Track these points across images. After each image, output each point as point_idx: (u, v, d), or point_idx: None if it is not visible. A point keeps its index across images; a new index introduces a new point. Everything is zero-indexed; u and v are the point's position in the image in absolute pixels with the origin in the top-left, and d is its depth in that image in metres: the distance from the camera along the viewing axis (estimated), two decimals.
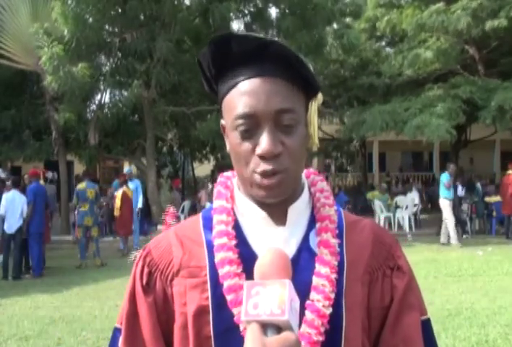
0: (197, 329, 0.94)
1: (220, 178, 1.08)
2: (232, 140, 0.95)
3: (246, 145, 0.92)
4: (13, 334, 5.58)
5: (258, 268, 0.80)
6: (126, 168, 13.47)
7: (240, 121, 0.92)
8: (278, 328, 0.74)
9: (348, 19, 16.64)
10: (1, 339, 5.45)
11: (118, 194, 11.62)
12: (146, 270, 1.01)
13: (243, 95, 0.92)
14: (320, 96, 1.00)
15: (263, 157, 0.91)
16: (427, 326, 1.01)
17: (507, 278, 7.95)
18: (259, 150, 0.91)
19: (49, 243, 10.75)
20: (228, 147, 1.00)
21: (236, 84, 0.93)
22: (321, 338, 0.89)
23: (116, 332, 1.03)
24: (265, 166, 0.91)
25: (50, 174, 18.58)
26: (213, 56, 0.95)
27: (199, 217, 1.06)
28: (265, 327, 0.74)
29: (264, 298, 0.74)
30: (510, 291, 7.08)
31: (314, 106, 0.99)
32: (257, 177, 0.92)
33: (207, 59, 0.97)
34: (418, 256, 9.36)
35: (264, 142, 0.90)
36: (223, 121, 1.01)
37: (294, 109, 0.92)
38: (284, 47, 0.91)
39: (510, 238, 12.28)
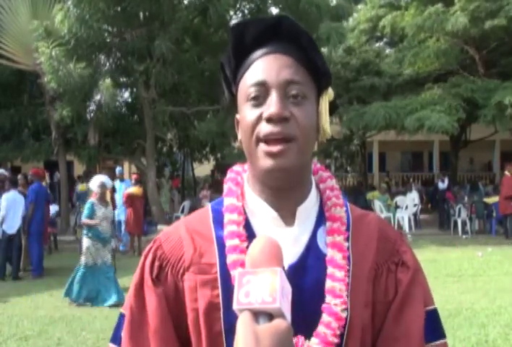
0: (209, 325, 0.95)
1: (230, 173, 1.08)
2: (243, 114, 0.96)
3: (255, 112, 0.93)
4: (13, 334, 5.58)
5: (249, 257, 0.80)
6: (118, 168, 13.45)
7: (251, 89, 0.94)
8: (270, 316, 0.74)
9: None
10: (1, 339, 5.45)
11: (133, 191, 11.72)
12: (157, 263, 1.01)
13: (256, 70, 0.96)
14: (330, 91, 1.02)
15: (270, 120, 0.91)
16: (432, 316, 1.01)
17: (507, 278, 7.96)
18: (266, 113, 0.91)
19: (46, 244, 10.74)
20: (239, 136, 1.01)
21: (250, 65, 0.97)
22: (336, 340, 0.91)
23: (121, 317, 1.03)
24: (271, 128, 0.91)
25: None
26: (234, 43, 0.98)
27: (208, 210, 1.05)
28: (257, 315, 0.74)
29: (255, 287, 0.74)
30: (509, 291, 7.09)
31: (325, 99, 1.00)
32: (264, 146, 0.92)
33: (228, 53, 1.00)
34: (418, 257, 9.24)
35: (272, 104, 0.91)
36: (238, 115, 1.02)
37: (303, 83, 0.95)
38: (296, 24, 0.95)
39: (510, 239, 12.28)
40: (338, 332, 0.91)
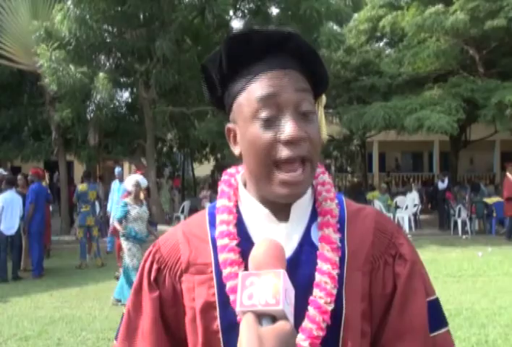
0: (205, 323, 0.96)
1: (224, 175, 1.09)
2: (251, 132, 0.93)
3: (268, 134, 0.91)
4: (13, 334, 5.58)
5: (252, 259, 0.80)
6: (117, 168, 13.35)
7: (261, 104, 0.91)
8: (273, 318, 0.74)
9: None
10: (1, 339, 5.45)
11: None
12: (155, 266, 1.04)
13: (264, 85, 0.93)
14: (323, 97, 1.02)
15: (289, 143, 0.90)
16: (434, 305, 1.02)
17: (507, 279, 7.96)
18: (285, 136, 0.90)
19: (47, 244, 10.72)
20: (236, 151, 0.99)
21: (255, 77, 0.94)
22: (321, 333, 0.91)
23: (122, 318, 1.07)
24: (290, 152, 0.90)
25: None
26: (230, 54, 0.95)
27: (205, 214, 1.07)
28: (260, 316, 0.74)
29: (258, 289, 0.74)
30: (510, 292, 7.09)
31: (321, 106, 1.01)
32: (279, 173, 0.92)
33: (217, 61, 0.97)
34: None
35: (289, 126, 0.90)
36: (230, 124, 1.01)
37: (310, 97, 0.95)
38: (304, 41, 0.94)
39: (510, 239, 12.28)
40: (323, 326, 0.91)
